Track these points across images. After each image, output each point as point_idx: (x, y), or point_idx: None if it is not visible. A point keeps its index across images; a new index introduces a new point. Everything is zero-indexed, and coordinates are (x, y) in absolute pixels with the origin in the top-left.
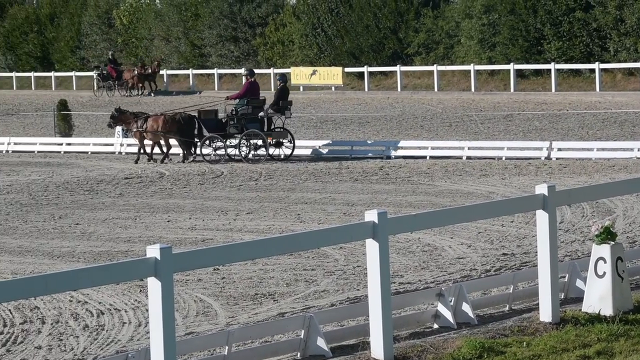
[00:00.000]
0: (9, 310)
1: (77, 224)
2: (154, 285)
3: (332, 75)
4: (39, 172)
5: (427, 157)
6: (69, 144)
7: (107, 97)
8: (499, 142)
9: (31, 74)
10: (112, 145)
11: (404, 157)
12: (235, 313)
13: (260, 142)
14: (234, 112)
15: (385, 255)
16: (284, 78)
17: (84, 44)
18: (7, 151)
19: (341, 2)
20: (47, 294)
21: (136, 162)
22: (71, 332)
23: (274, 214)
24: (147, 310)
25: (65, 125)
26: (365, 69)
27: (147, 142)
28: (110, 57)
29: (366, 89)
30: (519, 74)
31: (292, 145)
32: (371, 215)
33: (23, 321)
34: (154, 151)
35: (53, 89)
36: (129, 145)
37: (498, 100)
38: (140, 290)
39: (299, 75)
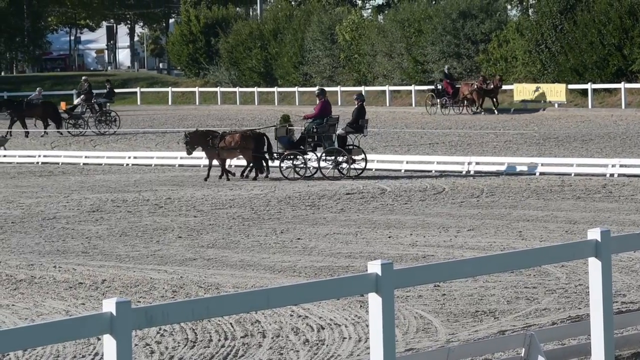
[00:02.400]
0: (230, 323)
1: (299, 238)
2: (374, 301)
3: (555, 91)
4: (262, 186)
5: None
6: None
7: (442, 115)
8: None
9: (254, 89)
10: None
11: (628, 176)
12: (456, 330)
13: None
14: (313, 130)
15: (608, 274)
16: (362, 97)
17: (307, 59)
18: (230, 165)
19: (565, 18)
20: (268, 308)
21: (221, 177)
22: (291, 347)
23: (495, 231)
24: (367, 325)
25: None
26: (589, 86)
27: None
28: (445, 71)
29: (589, 106)
30: None
31: (364, 162)
32: (594, 234)
33: (244, 335)
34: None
35: (276, 104)
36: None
37: None
38: (361, 306)
39: (522, 91)
